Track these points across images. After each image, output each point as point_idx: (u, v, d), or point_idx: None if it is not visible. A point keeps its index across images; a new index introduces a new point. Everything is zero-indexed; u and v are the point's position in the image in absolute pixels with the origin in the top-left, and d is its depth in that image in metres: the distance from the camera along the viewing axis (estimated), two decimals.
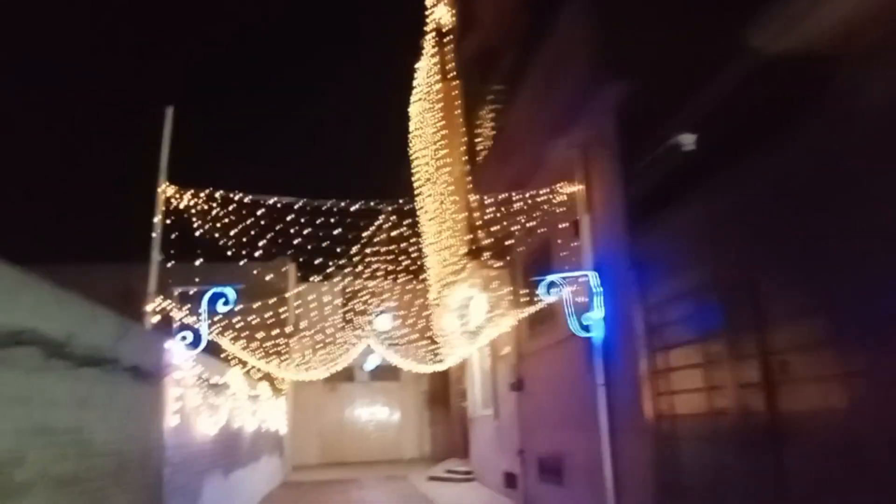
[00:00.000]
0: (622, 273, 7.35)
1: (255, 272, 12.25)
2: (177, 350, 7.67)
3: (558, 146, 8.53)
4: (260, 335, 13.85)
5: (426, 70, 14.49)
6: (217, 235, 8.07)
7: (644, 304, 6.84)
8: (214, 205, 8.13)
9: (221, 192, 8.11)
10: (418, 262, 17.07)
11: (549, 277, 8.17)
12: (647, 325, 6.81)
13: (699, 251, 5.91)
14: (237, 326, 10.99)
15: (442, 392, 22.55)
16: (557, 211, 8.90)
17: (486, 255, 12.14)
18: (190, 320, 8.19)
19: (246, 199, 8.16)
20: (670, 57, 6.24)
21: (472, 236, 12.47)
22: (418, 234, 17.57)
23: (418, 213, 17.80)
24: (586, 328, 8.04)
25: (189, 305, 8.23)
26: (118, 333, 5.57)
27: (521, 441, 11.63)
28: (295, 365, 16.72)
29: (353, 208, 8.60)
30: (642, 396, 6.87)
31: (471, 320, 15.58)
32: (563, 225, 8.73)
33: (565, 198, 8.71)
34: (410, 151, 17.73)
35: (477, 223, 12.10)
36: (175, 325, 8.08)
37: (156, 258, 7.74)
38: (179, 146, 8.52)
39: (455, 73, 13.16)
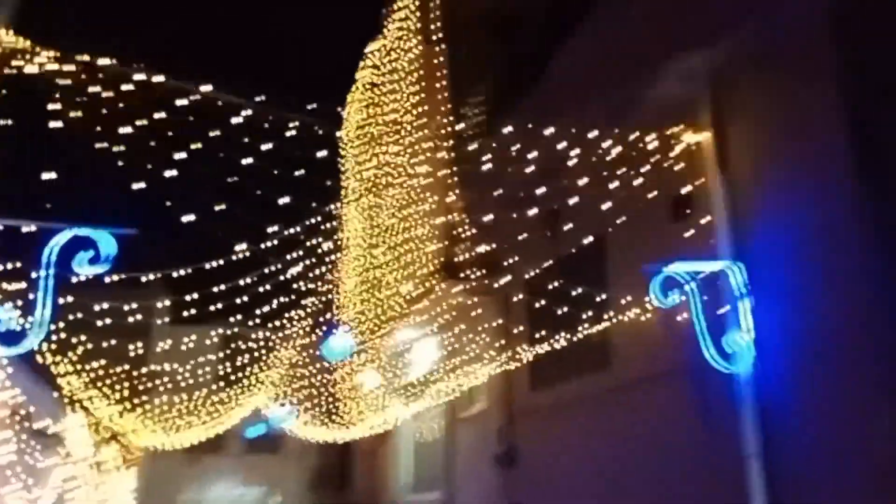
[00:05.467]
0: (843, 264, 4.30)
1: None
2: None
3: (669, 77, 5.55)
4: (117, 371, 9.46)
5: (391, 41, 11.34)
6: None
7: None
8: (93, 83, 4.34)
9: (109, 60, 4.35)
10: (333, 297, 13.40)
11: (671, 268, 4.95)
12: None
13: None
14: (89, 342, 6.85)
15: (337, 469, 18.15)
16: (639, 183, 5.82)
17: (468, 272, 8.82)
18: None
19: (157, 79, 4.44)
20: None
21: (448, 246, 9.07)
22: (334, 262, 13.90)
23: (340, 237, 14.19)
24: (728, 358, 4.85)
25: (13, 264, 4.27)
26: None
27: None
28: (160, 422, 12.13)
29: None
30: None
31: (411, 371, 11.98)
32: (664, 195, 5.59)
33: (662, 157, 5.66)
34: (342, 157, 14.21)
35: (462, 228, 8.83)
36: None
37: None
38: None
39: (442, 36, 10.00)
